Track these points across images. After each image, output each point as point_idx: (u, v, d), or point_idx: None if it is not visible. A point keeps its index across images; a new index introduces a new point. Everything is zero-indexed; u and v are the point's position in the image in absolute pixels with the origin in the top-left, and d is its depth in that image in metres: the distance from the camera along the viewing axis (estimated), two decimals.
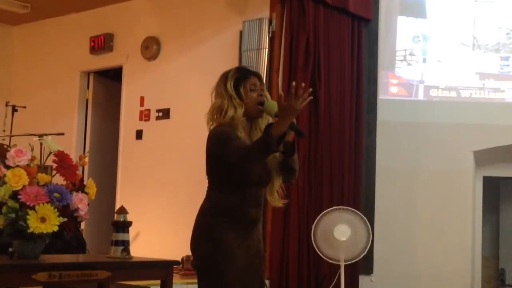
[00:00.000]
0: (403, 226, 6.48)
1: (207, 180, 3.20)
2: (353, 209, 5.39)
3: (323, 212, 5.27)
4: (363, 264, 6.22)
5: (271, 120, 3.13)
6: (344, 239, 5.14)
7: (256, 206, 3.16)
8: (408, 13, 6.88)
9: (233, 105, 3.12)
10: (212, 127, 3.17)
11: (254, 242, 3.17)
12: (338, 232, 5.13)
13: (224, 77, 3.21)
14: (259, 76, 3.24)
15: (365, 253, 5.26)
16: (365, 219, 5.27)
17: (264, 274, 3.26)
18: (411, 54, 6.82)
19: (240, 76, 3.18)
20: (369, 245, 5.25)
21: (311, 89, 2.95)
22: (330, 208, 5.29)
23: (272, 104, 3.07)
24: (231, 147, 3.00)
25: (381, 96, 6.65)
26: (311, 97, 2.95)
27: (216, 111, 3.16)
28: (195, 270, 3.19)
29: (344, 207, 5.41)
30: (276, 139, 2.87)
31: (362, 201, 6.29)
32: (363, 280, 6.22)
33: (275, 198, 3.22)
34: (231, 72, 3.21)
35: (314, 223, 5.24)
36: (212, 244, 3.06)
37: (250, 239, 3.15)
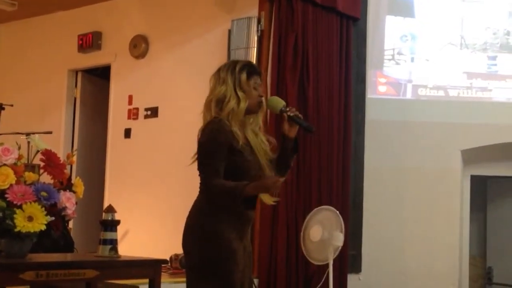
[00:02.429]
0: (391, 225, 6.50)
1: (199, 176, 3.11)
2: (327, 207, 5.30)
3: (306, 219, 5.22)
4: (352, 263, 6.24)
5: (260, 117, 3.17)
6: (318, 239, 5.10)
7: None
8: (396, 12, 6.90)
9: (237, 96, 3.07)
10: (208, 119, 3.10)
11: (248, 243, 3.16)
12: (313, 233, 5.10)
13: (233, 65, 3.14)
14: (261, 76, 3.23)
15: (340, 248, 5.18)
16: (337, 212, 5.18)
17: (252, 274, 3.26)
18: (399, 53, 6.83)
19: (250, 71, 3.14)
20: (342, 240, 5.16)
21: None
22: (311, 212, 5.24)
23: (276, 102, 3.11)
24: (208, 172, 3.00)
25: (369, 95, 6.67)
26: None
27: (218, 100, 3.09)
28: (188, 268, 3.11)
29: (321, 207, 5.34)
30: (242, 199, 2.94)
31: (350, 200, 6.30)
32: (351, 278, 6.23)
33: (267, 196, 3.20)
34: (240, 64, 3.16)
35: (302, 231, 5.21)
36: (216, 245, 3.00)
37: (246, 239, 3.14)
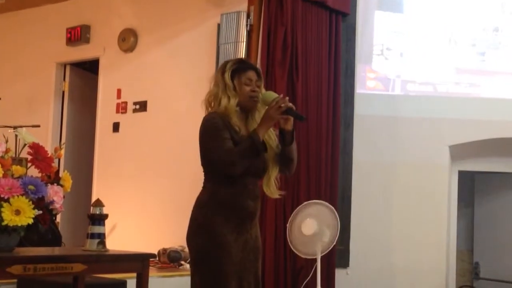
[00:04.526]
0: (379, 219, 6.52)
1: (203, 171, 3.23)
2: (320, 201, 5.33)
3: (295, 210, 5.24)
4: (339, 257, 6.25)
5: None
6: (311, 233, 5.11)
7: (253, 199, 3.19)
8: (386, 8, 6.91)
9: (227, 94, 3.19)
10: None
11: (251, 237, 3.20)
12: (305, 226, 5.11)
13: (223, 66, 3.29)
14: (257, 71, 3.31)
15: (334, 243, 5.21)
16: (333, 208, 5.22)
17: (260, 270, 3.28)
18: (388, 49, 6.84)
19: (238, 68, 3.26)
20: (337, 235, 5.20)
21: (287, 98, 3.14)
22: (301, 205, 5.26)
23: (269, 95, 3.19)
24: (217, 148, 3.06)
25: (358, 90, 6.67)
26: (290, 105, 3.12)
27: (213, 99, 3.24)
28: (190, 261, 3.22)
29: (314, 200, 5.36)
30: (261, 140, 3.04)
31: (338, 194, 6.31)
32: (339, 273, 6.25)
33: (272, 189, 3.28)
34: (231, 63, 3.30)
35: (289, 222, 5.22)
36: (208, 238, 3.08)
37: (248, 233, 3.18)
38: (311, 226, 5.05)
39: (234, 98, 3.18)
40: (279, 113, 3.07)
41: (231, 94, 3.19)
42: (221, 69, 3.28)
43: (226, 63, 3.30)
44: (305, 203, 5.23)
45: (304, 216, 5.09)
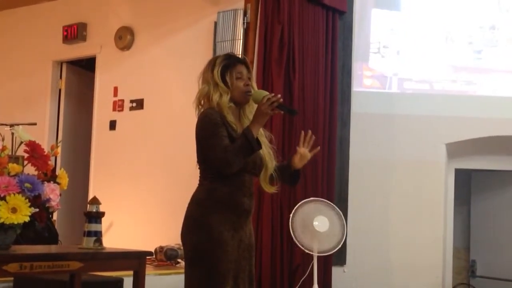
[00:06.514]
0: (376, 217, 6.53)
1: (199, 168, 3.22)
2: (330, 203, 5.40)
3: (302, 201, 5.27)
4: (336, 255, 6.25)
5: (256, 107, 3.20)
6: (323, 230, 5.14)
7: (249, 196, 3.19)
8: (383, 6, 6.91)
9: (219, 91, 3.16)
10: (200, 112, 3.21)
11: (246, 235, 3.20)
12: (318, 223, 5.14)
13: (212, 63, 3.24)
14: (246, 65, 3.29)
15: (339, 246, 5.28)
16: (341, 213, 5.28)
17: (254, 267, 3.28)
18: (385, 47, 6.85)
19: (227, 64, 3.22)
20: (343, 240, 5.27)
21: (279, 95, 3.09)
22: (309, 199, 5.30)
23: (260, 93, 3.15)
24: (214, 145, 3.04)
25: (355, 88, 6.68)
26: (281, 100, 3.08)
27: (204, 97, 3.21)
28: (184, 258, 3.20)
29: (322, 199, 5.42)
30: (255, 137, 3.02)
31: (335, 192, 6.31)
32: (335, 271, 6.26)
33: (267, 184, 3.29)
34: (219, 59, 3.25)
35: (293, 211, 5.24)
36: (204, 235, 3.07)
37: (242, 231, 3.18)
38: (324, 224, 5.09)
39: (226, 94, 3.16)
40: (271, 109, 3.04)
41: (223, 90, 3.15)
42: (210, 66, 3.23)
43: (214, 59, 3.26)
44: (318, 199, 5.28)
45: (317, 212, 5.12)
